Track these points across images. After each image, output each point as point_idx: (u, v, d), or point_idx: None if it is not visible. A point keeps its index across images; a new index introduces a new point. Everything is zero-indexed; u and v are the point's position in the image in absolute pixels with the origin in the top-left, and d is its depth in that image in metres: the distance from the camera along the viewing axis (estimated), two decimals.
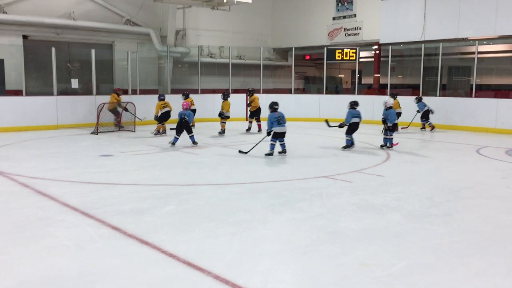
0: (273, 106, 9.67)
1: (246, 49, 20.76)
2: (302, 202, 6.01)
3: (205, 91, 17.64)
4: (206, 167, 8.51)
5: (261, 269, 3.90)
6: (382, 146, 10.78)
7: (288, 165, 8.83)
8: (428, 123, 14.30)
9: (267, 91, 19.36)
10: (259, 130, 13.53)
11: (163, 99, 12.93)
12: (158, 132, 12.79)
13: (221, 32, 20.70)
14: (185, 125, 10.73)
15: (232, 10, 19.29)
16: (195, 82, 18.18)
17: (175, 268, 3.89)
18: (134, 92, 16.11)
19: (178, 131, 10.73)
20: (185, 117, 10.69)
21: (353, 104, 10.57)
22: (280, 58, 22.89)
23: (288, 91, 19.25)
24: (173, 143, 10.70)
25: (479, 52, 15.72)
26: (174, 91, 17.97)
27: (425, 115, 14.30)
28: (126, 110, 13.59)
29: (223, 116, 13.16)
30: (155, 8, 18.55)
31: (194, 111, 13.97)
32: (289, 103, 18.15)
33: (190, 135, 10.87)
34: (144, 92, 16.46)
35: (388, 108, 10.84)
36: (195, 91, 17.25)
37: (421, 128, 14.57)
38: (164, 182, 7.10)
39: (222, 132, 13.09)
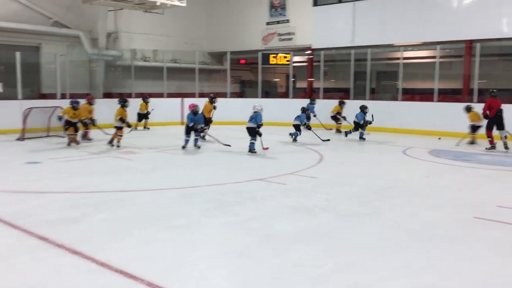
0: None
1: (181, 52, 20.55)
2: (237, 206, 6.06)
3: (139, 95, 17.30)
4: (140, 173, 8.36)
5: (195, 274, 3.89)
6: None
7: (223, 169, 8.85)
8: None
9: (203, 95, 19.29)
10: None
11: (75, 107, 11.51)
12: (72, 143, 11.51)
13: (155, 36, 20.36)
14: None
15: (166, 13, 19.06)
16: (129, 86, 17.79)
17: (106, 277, 3.79)
18: (63, 96, 15.51)
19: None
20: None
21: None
22: (216, 62, 22.89)
23: (224, 95, 19.29)
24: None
25: (405, 58, 16.56)
26: (106, 95, 17.49)
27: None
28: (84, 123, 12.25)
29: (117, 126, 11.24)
30: (84, 9, 17.92)
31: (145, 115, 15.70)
32: (225, 107, 18.21)
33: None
34: (74, 96, 15.85)
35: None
36: (128, 95, 16.87)
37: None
38: (96, 189, 6.89)
39: (116, 143, 11.26)
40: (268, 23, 20.39)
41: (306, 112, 12.90)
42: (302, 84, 21.17)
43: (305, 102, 15.80)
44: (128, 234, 4.88)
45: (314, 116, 14.94)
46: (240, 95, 23.04)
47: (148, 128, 15.83)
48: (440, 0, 15.43)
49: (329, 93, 18.62)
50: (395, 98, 16.62)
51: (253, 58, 20.77)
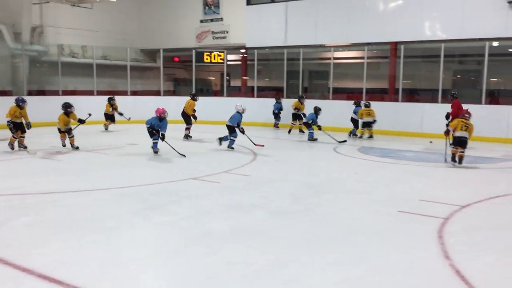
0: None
1: (111, 49, 19.95)
2: (171, 205, 5.98)
3: (67, 93, 16.61)
4: (69, 174, 8.01)
5: (127, 275, 3.79)
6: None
7: (156, 168, 8.69)
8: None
9: (135, 93, 18.86)
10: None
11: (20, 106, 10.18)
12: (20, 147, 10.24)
13: (84, 31, 19.59)
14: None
15: (95, 8, 18.44)
16: (56, 82, 17.00)
17: (28, 284, 3.59)
18: None
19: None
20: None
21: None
22: (148, 59, 22.43)
23: (157, 93, 18.97)
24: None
25: (335, 58, 17.07)
26: (31, 93, 16.62)
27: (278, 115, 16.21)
28: None
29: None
30: (7, 2, 16.92)
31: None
32: (158, 105, 17.91)
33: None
34: None
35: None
36: (56, 93, 16.15)
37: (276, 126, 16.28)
38: (20, 192, 6.51)
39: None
40: (202, 21, 20.27)
41: (318, 111, 12.95)
42: (236, 83, 21.27)
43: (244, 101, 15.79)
44: (54, 237, 4.66)
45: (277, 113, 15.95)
46: (174, 93, 22.75)
47: (107, 129, 14.73)
48: (367, 4, 16.05)
49: (263, 92, 18.83)
50: (326, 97, 17.09)
51: (187, 56, 20.59)
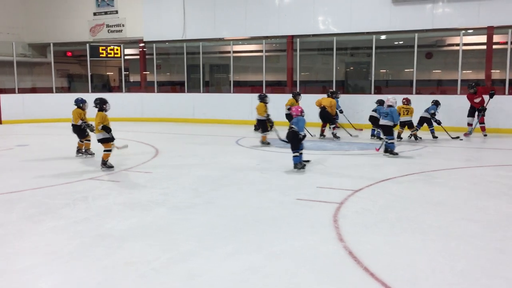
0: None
1: None
2: (65, 208, 5.68)
3: None
4: None
5: (18, 286, 3.55)
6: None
7: (49, 170, 8.17)
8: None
9: (24, 90, 17.60)
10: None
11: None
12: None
13: None
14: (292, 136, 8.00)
15: None
16: None
17: None
18: None
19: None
20: (293, 126, 7.99)
21: None
22: (38, 54, 20.98)
23: (50, 90, 17.85)
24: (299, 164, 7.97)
25: (235, 52, 17.24)
26: None
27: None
28: None
29: None
30: None
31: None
32: (50, 103, 16.94)
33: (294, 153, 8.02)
34: None
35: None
36: None
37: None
38: None
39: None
40: (95, 14, 19.35)
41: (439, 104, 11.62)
42: (136, 78, 20.67)
43: (144, 96, 15.39)
44: None
45: (341, 112, 13.26)
46: (69, 89, 21.57)
47: (268, 143, 10.90)
48: None
49: (164, 87, 18.51)
50: (228, 90, 17.24)
51: (81, 50, 19.61)
